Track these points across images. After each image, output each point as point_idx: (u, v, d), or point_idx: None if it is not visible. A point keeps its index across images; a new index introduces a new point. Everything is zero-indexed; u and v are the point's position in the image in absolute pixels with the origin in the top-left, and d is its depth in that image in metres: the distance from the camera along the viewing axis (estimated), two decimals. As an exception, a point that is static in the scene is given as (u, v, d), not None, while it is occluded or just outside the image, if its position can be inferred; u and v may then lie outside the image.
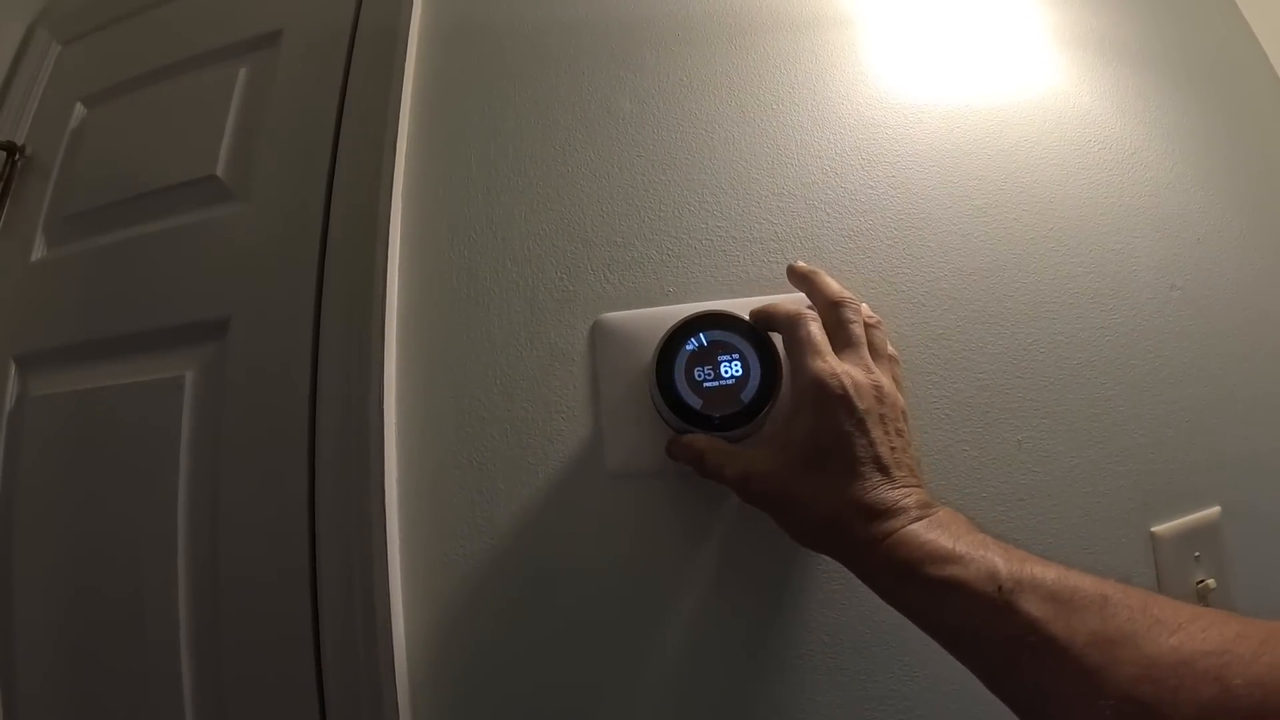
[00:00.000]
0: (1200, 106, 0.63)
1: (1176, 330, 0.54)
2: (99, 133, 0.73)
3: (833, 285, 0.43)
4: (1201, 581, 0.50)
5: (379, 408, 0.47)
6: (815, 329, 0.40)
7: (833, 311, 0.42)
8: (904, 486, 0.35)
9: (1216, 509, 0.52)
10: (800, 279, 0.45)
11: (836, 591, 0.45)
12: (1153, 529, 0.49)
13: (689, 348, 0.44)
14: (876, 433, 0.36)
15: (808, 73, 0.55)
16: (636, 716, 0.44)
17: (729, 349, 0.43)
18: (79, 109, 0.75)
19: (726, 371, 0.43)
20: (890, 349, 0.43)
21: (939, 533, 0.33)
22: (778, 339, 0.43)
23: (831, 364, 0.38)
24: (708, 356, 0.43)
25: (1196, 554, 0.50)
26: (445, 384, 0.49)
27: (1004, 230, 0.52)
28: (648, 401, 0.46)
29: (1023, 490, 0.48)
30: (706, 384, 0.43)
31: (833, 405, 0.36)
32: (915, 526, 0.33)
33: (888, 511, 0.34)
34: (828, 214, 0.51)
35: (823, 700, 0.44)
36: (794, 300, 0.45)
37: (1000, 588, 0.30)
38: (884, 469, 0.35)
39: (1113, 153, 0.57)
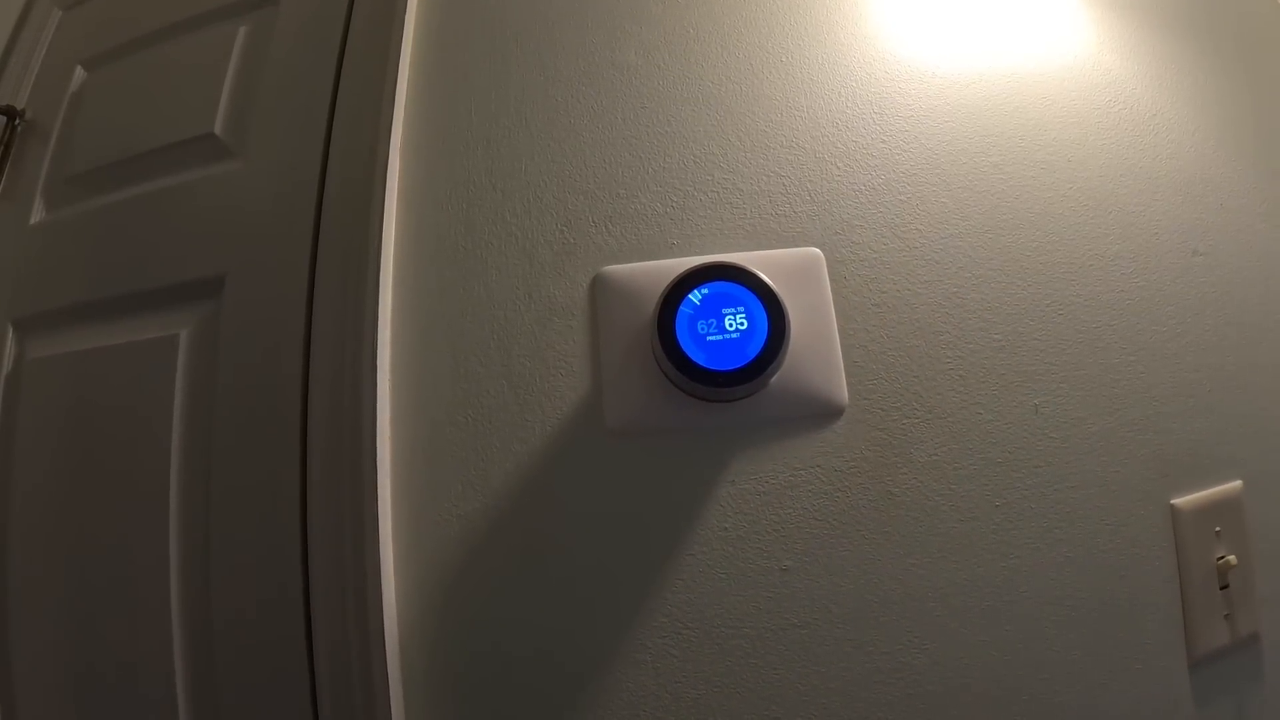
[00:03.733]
0: (1225, 72, 0.61)
1: (1198, 296, 0.52)
2: (98, 95, 0.72)
3: None
4: (1222, 558, 0.48)
5: (372, 364, 0.46)
6: None
7: None
8: None
9: (1238, 483, 0.50)
10: None
11: (843, 558, 0.44)
12: (1173, 501, 0.48)
13: (692, 301, 0.42)
14: None
15: (818, 24, 0.53)
16: (630, 676, 0.43)
17: (733, 302, 0.42)
18: (79, 72, 0.74)
19: (731, 325, 0.42)
20: None
21: None
22: (783, 290, 0.41)
23: None
24: (711, 310, 0.42)
25: (1217, 529, 0.48)
26: (441, 340, 0.48)
27: (1021, 188, 0.51)
28: (649, 357, 0.45)
29: (1039, 457, 0.46)
30: (710, 338, 0.42)
31: None
32: None
33: None
34: (838, 167, 0.50)
35: (828, 671, 0.43)
36: None
37: None
38: None
39: (1134, 114, 0.55)
